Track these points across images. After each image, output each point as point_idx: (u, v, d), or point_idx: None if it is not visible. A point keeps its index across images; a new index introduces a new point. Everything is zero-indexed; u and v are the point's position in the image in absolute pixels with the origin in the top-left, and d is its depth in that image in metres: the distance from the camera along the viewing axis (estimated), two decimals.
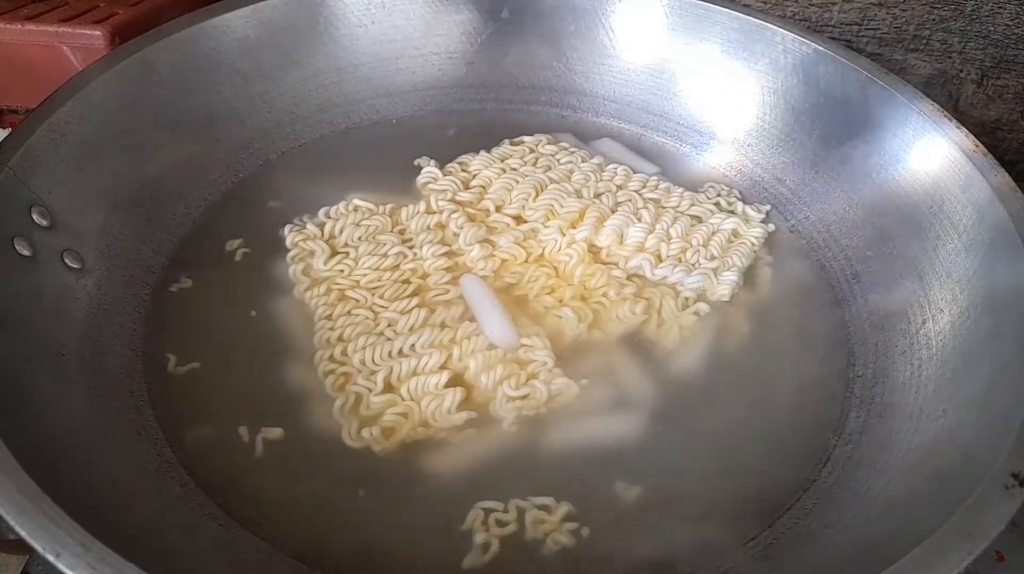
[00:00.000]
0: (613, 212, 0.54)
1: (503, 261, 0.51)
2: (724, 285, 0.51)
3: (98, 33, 0.58)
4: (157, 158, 0.53)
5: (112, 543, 0.29)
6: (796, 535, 0.39)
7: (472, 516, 0.40)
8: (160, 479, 0.40)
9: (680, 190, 0.57)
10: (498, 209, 0.55)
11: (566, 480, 0.41)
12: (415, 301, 0.48)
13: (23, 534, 0.29)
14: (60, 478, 0.33)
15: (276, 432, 0.42)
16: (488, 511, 0.40)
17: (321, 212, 0.54)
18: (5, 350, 0.38)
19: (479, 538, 0.39)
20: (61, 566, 0.29)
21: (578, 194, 0.55)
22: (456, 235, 0.52)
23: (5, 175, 0.43)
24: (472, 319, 0.47)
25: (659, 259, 0.52)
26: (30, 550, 0.40)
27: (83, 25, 0.58)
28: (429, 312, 0.47)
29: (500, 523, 0.39)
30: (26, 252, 0.42)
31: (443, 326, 0.46)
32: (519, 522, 0.39)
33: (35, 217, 0.44)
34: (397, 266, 0.50)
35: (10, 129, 0.63)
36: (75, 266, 0.45)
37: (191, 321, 0.48)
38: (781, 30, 0.58)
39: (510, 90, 0.65)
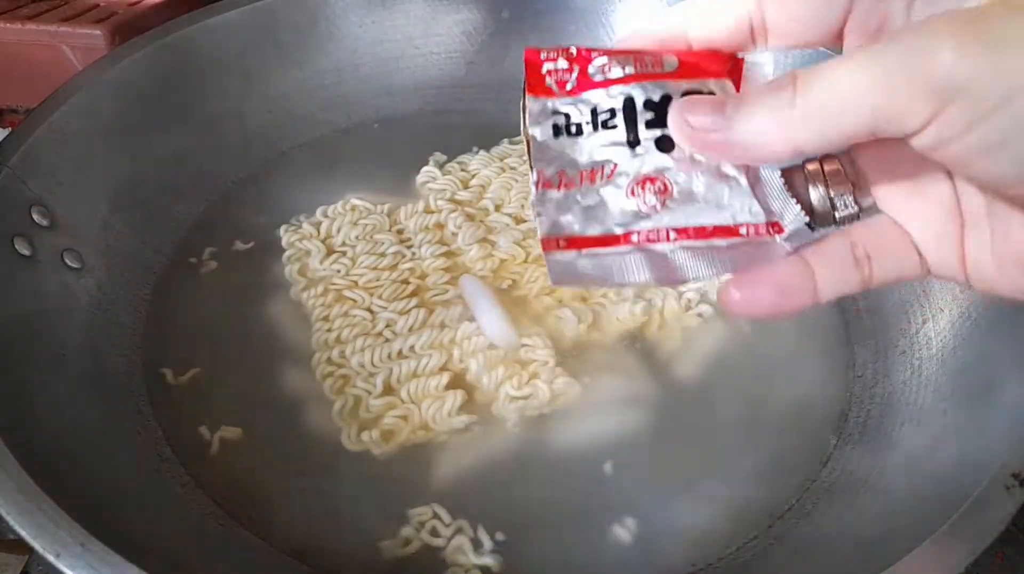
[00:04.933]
0: None
1: (502, 261, 0.51)
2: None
3: (98, 33, 0.58)
4: (157, 158, 0.53)
5: (112, 543, 0.29)
6: (796, 535, 0.39)
7: (420, 511, 0.39)
8: (160, 479, 0.40)
9: None
10: (497, 208, 0.55)
11: (568, 481, 0.41)
12: (414, 301, 0.48)
13: (23, 534, 0.29)
14: (60, 478, 0.33)
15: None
16: (435, 516, 0.39)
17: (319, 211, 0.54)
18: (5, 350, 0.38)
19: (406, 532, 0.39)
20: (61, 566, 0.29)
21: None
22: (455, 235, 0.52)
23: (5, 175, 0.43)
24: (472, 319, 0.47)
25: None
26: (30, 550, 0.40)
27: (83, 25, 0.59)
28: (428, 312, 0.47)
29: (433, 533, 0.39)
30: (26, 252, 0.42)
31: (443, 326, 0.46)
32: (448, 540, 0.39)
33: (35, 217, 0.44)
34: (395, 266, 0.50)
35: (10, 129, 0.63)
36: (75, 266, 0.45)
37: (191, 321, 0.48)
38: None
39: (510, 90, 0.65)
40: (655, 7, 0.61)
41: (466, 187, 0.56)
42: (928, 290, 0.46)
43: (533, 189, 0.25)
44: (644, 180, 0.24)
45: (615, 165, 0.24)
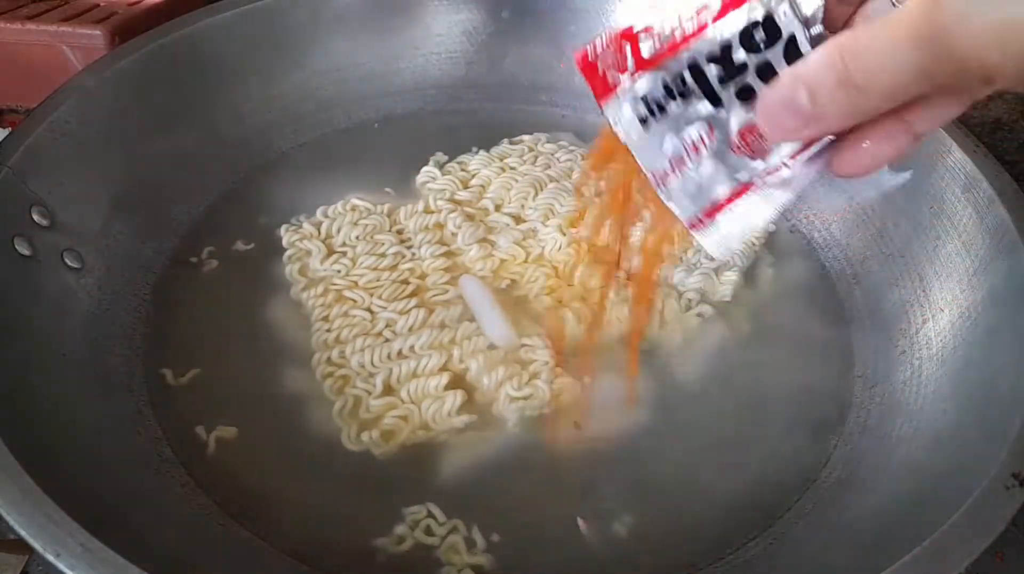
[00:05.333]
0: None
1: (502, 261, 0.51)
2: (725, 285, 0.51)
3: (98, 33, 0.58)
4: (157, 158, 0.53)
5: (112, 543, 0.29)
6: (796, 535, 0.39)
7: (415, 509, 0.40)
8: (160, 479, 0.40)
9: None
10: (497, 208, 0.55)
11: (567, 480, 0.41)
12: (414, 301, 0.48)
13: (23, 534, 0.29)
14: (60, 478, 0.33)
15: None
16: (430, 515, 0.39)
17: (319, 211, 0.54)
18: (5, 350, 0.38)
19: (399, 530, 0.39)
20: (61, 566, 0.29)
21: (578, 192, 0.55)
22: (455, 235, 0.52)
23: (5, 175, 0.43)
24: (472, 319, 0.47)
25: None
26: (30, 550, 0.40)
27: (83, 25, 0.59)
28: (428, 313, 0.47)
29: (428, 532, 0.39)
30: (26, 252, 0.42)
31: (443, 326, 0.46)
32: (442, 539, 0.39)
33: (35, 217, 0.44)
34: (395, 266, 0.50)
35: (10, 129, 0.63)
36: (75, 266, 0.45)
37: (191, 322, 0.48)
38: None
39: (510, 90, 0.65)
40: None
41: (466, 187, 0.56)
42: (928, 290, 0.46)
43: (657, 189, 0.27)
44: (743, 134, 0.25)
45: (711, 127, 0.26)
